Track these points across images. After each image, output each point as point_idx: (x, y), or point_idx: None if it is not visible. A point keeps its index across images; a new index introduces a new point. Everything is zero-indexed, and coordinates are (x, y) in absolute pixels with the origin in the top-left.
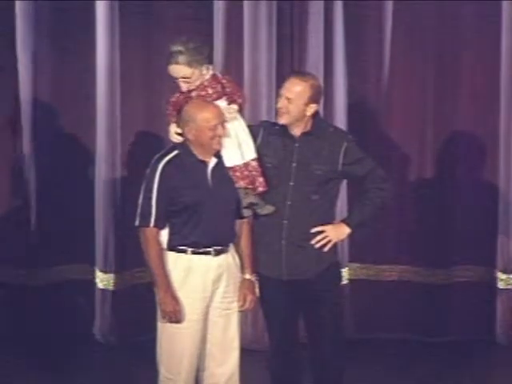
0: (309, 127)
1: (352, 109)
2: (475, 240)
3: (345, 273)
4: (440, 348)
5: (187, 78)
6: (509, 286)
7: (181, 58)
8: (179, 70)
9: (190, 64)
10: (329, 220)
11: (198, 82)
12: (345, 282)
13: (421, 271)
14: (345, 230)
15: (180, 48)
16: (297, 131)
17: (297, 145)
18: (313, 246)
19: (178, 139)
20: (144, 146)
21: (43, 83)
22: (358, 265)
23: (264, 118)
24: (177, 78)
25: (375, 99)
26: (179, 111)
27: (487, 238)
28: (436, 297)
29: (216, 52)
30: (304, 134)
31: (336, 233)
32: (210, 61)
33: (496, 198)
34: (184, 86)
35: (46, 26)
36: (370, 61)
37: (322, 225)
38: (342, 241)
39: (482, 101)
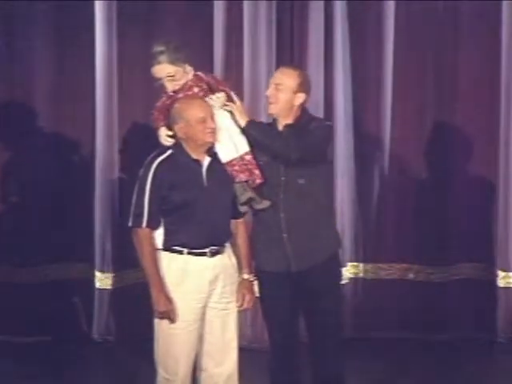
0: (292, 120)
1: (353, 108)
2: (475, 238)
3: (345, 272)
4: (440, 346)
5: (171, 76)
6: (508, 284)
7: (162, 58)
8: (163, 69)
9: (172, 62)
10: (325, 207)
11: (182, 81)
12: (345, 281)
13: (421, 269)
14: (243, 117)
15: (161, 48)
16: (282, 124)
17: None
18: (314, 233)
19: (169, 142)
20: (142, 144)
21: (41, 82)
22: (358, 264)
23: (264, 117)
24: (161, 79)
25: (376, 99)
26: (167, 114)
27: (487, 236)
28: (436, 295)
29: (216, 52)
30: (286, 126)
31: (238, 108)
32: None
33: (495, 197)
34: (170, 86)
35: (44, 24)
36: (370, 60)
37: (316, 212)
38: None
39: (482, 100)
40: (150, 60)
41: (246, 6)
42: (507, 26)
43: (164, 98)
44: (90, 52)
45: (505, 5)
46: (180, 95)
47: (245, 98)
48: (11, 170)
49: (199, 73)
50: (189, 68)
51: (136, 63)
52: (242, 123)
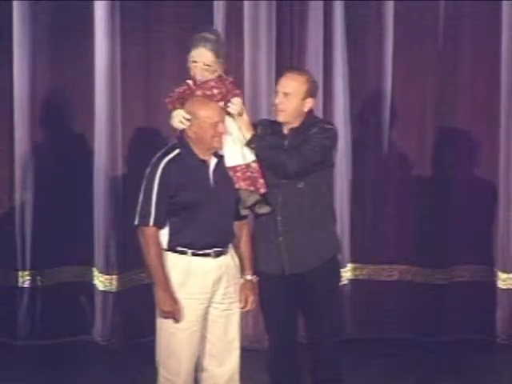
0: (298, 123)
1: (352, 108)
2: (475, 239)
3: (345, 273)
4: (440, 348)
5: (208, 65)
6: (509, 286)
7: (210, 45)
8: (205, 55)
9: (216, 53)
10: (324, 211)
11: (211, 76)
12: (345, 281)
13: (421, 271)
14: (249, 130)
15: (213, 36)
16: (288, 128)
17: (286, 142)
18: (311, 237)
19: (183, 124)
20: (144, 145)
21: (42, 82)
22: (358, 265)
23: (264, 117)
24: (196, 62)
25: (375, 99)
26: (184, 103)
27: (487, 237)
28: (436, 296)
29: None
30: (292, 130)
31: (244, 121)
32: None
33: (496, 198)
34: (199, 72)
35: (44, 24)
36: (370, 61)
37: (315, 217)
38: None
39: (482, 100)
40: (193, 41)
41: (246, 6)
42: (507, 25)
43: (185, 87)
44: (90, 52)
45: (505, 5)
46: (199, 92)
47: (245, 97)
48: (11, 171)
49: (222, 74)
50: (221, 69)
51: (137, 61)
52: (247, 136)
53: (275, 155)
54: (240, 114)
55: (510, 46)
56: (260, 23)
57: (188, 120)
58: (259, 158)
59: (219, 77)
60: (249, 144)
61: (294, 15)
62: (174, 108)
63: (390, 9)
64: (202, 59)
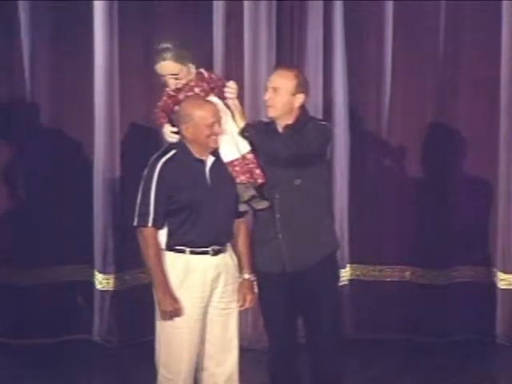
0: (292, 121)
1: (352, 109)
2: (475, 240)
3: (345, 273)
4: (440, 348)
5: (175, 74)
6: (509, 286)
7: (168, 55)
8: (167, 66)
9: (177, 60)
10: (322, 208)
11: (184, 80)
12: (345, 282)
13: (421, 271)
14: (242, 118)
15: (166, 45)
16: (282, 125)
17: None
18: (310, 234)
19: (174, 138)
20: (143, 145)
21: (41, 82)
22: (358, 265)
23: (264, 117)
24: (164, 76)
25: (375, 99)
26: (170, 112)
27: (487, 238)
28: (436, 297)
29: (216, 52)
30: (286, 127)
31: (238, 109)
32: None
33: (496, 198)
34: (172, 84)
35: (44, 24)
36: (369, 60)
37: (313, 213)
38: None
39: (482, 100)
40: (154, 56)
41: (245, 5)
42: (507, 25)
43: (165, 98)
44: (89, 52)
45: (505, 5)
46: (181, 96)
47: (245, 97)
48: (11, 170)
49: (202, 70)
50: (192, 68)
51: (136, 62)
52: (240, 124)
53: (269, 141)
54: (237, 98)
55: (510, 46)
56: (260, 23)
57: (175, 133)
58: (254, 145)
59: (198, 74)
60: (242, 132)
61: (294, 15)
62: (162, 124)
63: (389, 9)
64: (167, 71)
